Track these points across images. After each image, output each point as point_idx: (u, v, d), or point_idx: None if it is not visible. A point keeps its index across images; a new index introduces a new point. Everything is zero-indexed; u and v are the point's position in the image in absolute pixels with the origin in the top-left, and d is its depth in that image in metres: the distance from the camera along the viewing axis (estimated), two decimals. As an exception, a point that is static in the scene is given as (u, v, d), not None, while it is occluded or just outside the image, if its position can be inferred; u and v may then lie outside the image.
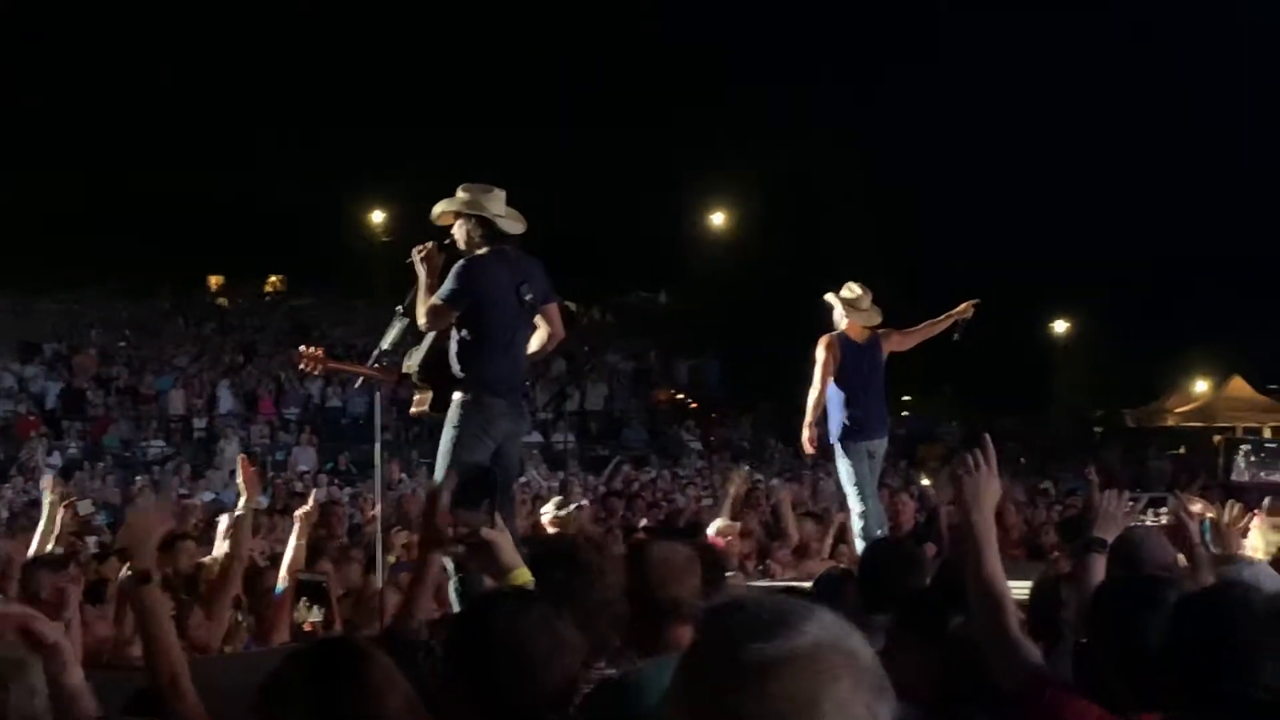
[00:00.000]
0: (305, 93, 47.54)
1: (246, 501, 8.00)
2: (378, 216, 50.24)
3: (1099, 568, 5.21)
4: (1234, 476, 23.81)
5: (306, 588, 5.10)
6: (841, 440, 11.18)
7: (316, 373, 8.92)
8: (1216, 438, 32.76)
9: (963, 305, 11.58)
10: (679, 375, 41.82)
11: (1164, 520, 7.24)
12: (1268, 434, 30.01)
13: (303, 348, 8.71)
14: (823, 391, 11.15)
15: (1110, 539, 5.42)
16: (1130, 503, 5.87)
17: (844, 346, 11.26)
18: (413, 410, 8.27)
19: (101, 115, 45.54)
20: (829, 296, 11.43)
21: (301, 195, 46.77)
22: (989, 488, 4.54)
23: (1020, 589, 6.59)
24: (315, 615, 4.95)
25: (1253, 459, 24.61)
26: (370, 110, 47.57)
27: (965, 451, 4.42)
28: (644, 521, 14.34)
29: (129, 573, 4.48)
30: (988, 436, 4.82)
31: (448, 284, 7.91)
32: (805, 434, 11.18)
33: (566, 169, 43.14)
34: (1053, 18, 45.22)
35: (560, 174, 40.63)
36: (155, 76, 46.75)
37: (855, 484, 11.08)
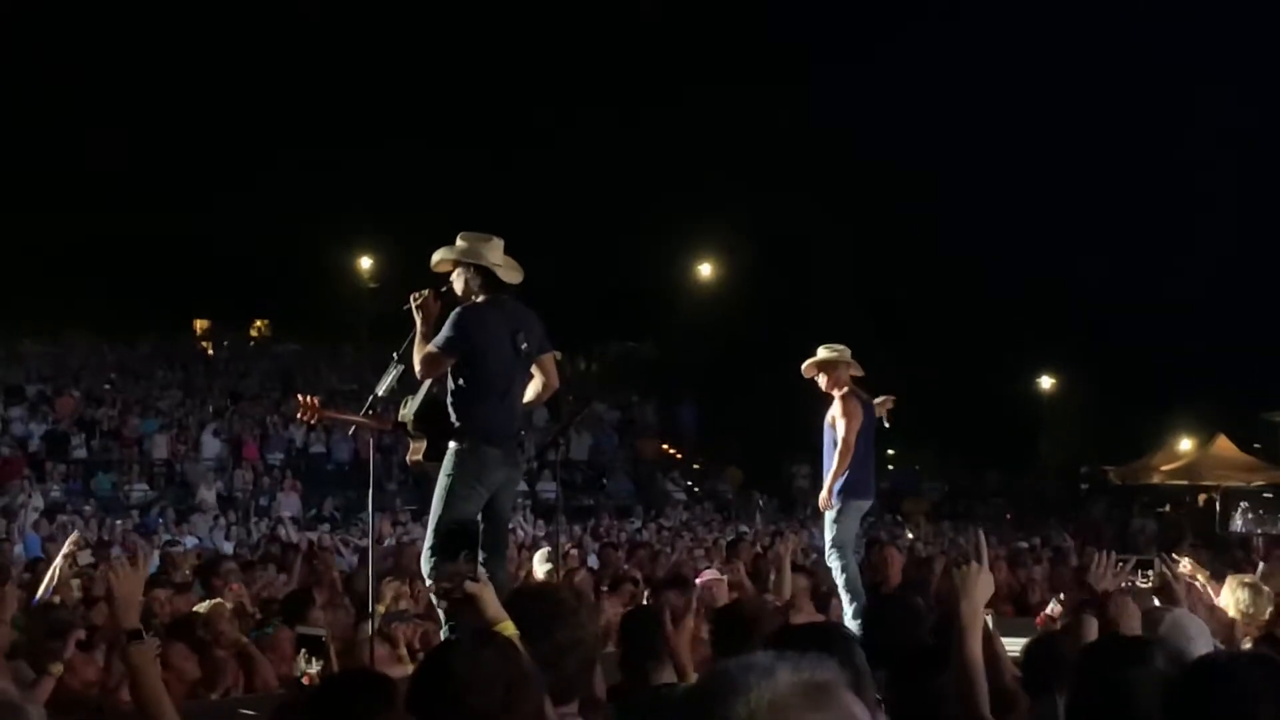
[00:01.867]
0: (294, 138, 47.65)
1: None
2: (365, 262, 50.31)
3: (1092, 628, 5.29)
4: (1232, 529, 23.93)
5: (305, 641, 5.07)
6: (855, 497, 11.05)
7: (314, 422, 8.87)
8: (1202, 496, 32.85)
9: (882, 399, 11.39)
10: (657, 420, 41.80)
11: (1151, 582, 7.23)
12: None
13: (301, 396, 8.68)
14: (853, 448, 10.94)
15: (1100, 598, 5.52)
16: (1119, 564, 5.91)
17: (862, 404, 11.13)
18: (409, 459, 8.19)
19: (90, 159, 45.59)
20: (833, 353, 11.28)
21: (288, 240, 46.82)
22: (982, 580, 4.68)
23: (1010, 644, 6.59)
24: (314, 667, 4.93)
25: (1249, 515, 24.75)
26: (359, 157, 47.65)
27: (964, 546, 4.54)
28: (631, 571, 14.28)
29: (122, 629, 4.50)
30: (981, 534, 5.00)
31: (444, 332, 7.86)
32: (827, 489, 10.96)
33: (552, 217, 43.25)
34: (1041, 83, 45.52)
35: (546, 222, 40.72)
36: (145, 119, 46.82)
37: (843, 544, 10.96)
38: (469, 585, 4.67)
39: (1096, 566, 5.69)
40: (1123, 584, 6.19)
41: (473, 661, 3.64)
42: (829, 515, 10.98)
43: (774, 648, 2.10)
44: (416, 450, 8.01)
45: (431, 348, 7.84)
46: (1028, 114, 45.87)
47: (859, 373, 11.26)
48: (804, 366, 11.30)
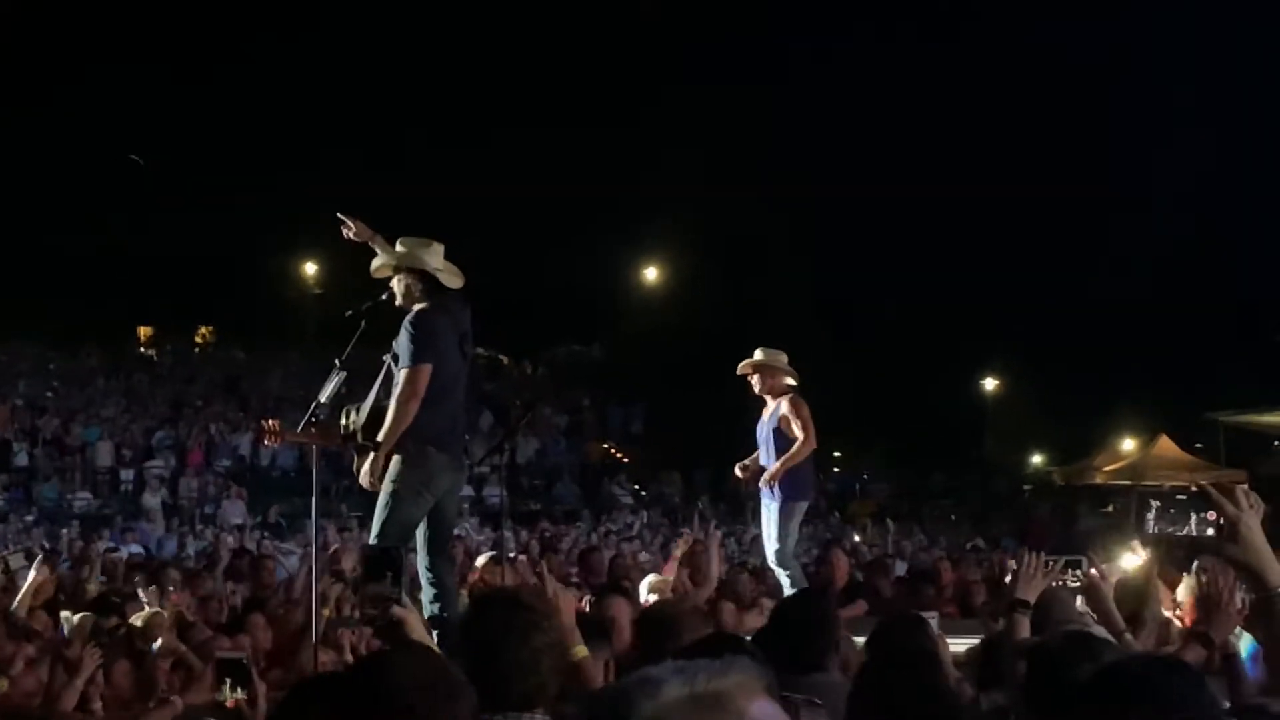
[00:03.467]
0: (235, 143, 47.36)
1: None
2: (309, 268, 50.12)
3: (1024, 627, 5.36)
4: (1146, 530, 24.29)
5: (226, 666, 5.03)
6: (796, 500, 11.01)
7: (276, 445, 8.83)
8: (1123, 499, 33.20)
9: None
10: (604, 424, 41.79)
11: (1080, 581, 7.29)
12: (1190, 491, 30.36)
13: (264, 421, 8.62)
14: (812, 444, 10.95)
15: (1032, 599, 5.57)
16: (1048, 564, 5.98)
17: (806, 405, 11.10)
18: (364, 481, 8.01)
19: (29, 166, 45.19)
20: (773, 357, 11.21)
21: (232, 246, 46.56)
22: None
23: (955, 644, 6.64)
24: (239, 694, 4.89)
25: (1162, 514, 25.16)
26: (301, 160, 47.42)
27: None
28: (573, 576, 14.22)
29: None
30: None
31: (411, 345, 7.81)
32: (772, 471, 10.85)
33: (498, 221, 43.16)
34: (986, 83, 45.79)
35: (491, 225, 40.64)
36: (88, 125, 46.46)
37: (789, 545, 10.92)
38: (395, 610, 4.69)
39: (1026, 569, 5.74)
40: (1052, 584, 6.26)
41: (402, 667, 3.64)
42: (772, 515, 10.90)
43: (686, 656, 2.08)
44: (367, 470, 7.89)
45: (410, 369, 7.78)
46: (969, 118, 46.15)
47: (794, 381, 11.21)
48: (740, 365, 11.28)
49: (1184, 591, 8.12)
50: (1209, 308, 42.53)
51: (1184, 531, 24.33)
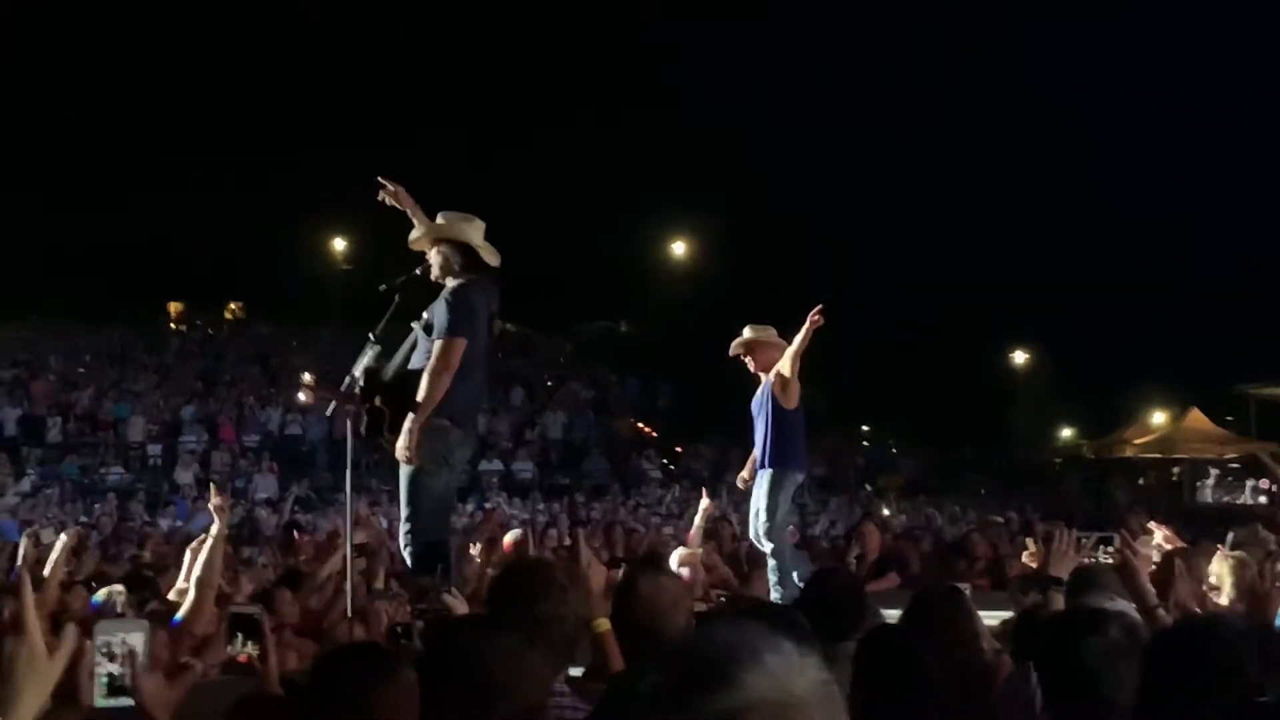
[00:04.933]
0: (266, 120, 47.46)
1: (218, 529, 7.91)
2: (338, 244, 50.24)
3: (1057, 603, 5.37)
4: (1200, 500, 23.97)
5: (238, 620, 5.05)
6: (789, 469, 10.58)
7: (311, 402, 8.77)
8: (1175, 469, 32.97)
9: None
10: (633, 399, 41.72)
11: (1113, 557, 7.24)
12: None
13: (304, 374, 8.58)
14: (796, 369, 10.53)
15: (1065, 575, 5.58)
16: (1080, 540, 5.96)
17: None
18: (396, 449, 7.75)
19: (62, 144, 45.38)
20: (763, 333, 10.94)
21: (261, 222, 46.68)
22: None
23: (988, 618, 6.64)
24: (250, 649, 4.90)
25: (1218, 485, 24.77)
26: (330, 136, 47.52)
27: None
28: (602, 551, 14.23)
29: None
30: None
31: (451, 314, 7.74)
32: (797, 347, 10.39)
33: (527, 196, 43.18)
34: (1014, 63, 45.60)
35: (521, 201, 40.65)
36: (118, 105, 46.62)
37: (780, 526, 10.48)
38: (446, 598, 4.71)
39: (1058, 546, 5.74)
40: (1084, 560, 6.24)
41: (478, 649, 3.67)
42: (764, 485, 10.48)
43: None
44: (401, 444, 7.76)
45: (445, 339, 7.69)
46: (999, 88, 45.97)
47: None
48: (732, 346, 11.04)
49: (1218, 564, 8.10)
50: (1239, 280, 42.32)
51: (1240, 500, 24.09)
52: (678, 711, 1.83)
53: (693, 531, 11.61)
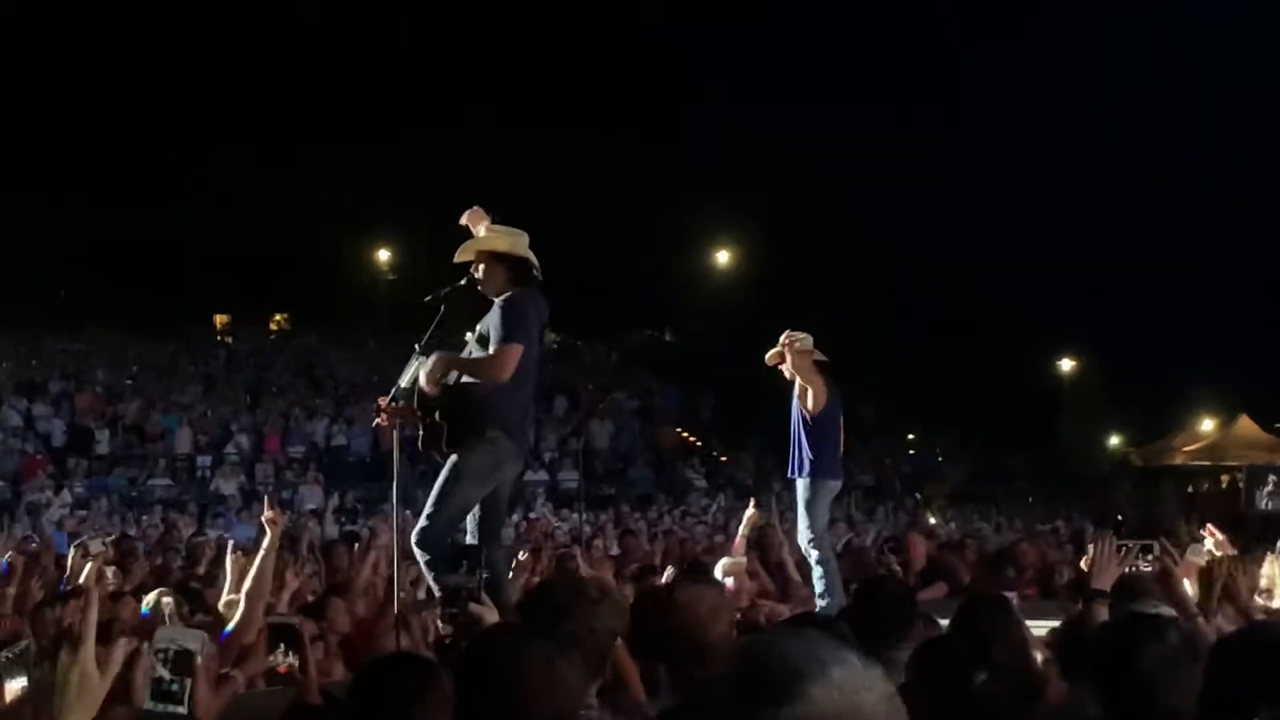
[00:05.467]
0: (310, 132, 47.66)
1: (270, 541, 7.94)
2: (383, 254, 50.52)
3: (1102, 615, 5.33)
4: (1257, 506, 23.56)
5: (278, 630, 5.06)
6: (824, 478, 10.54)
7: (386, 425, 8.64)
8: (1225, 476, 32.70)
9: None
10: (676, 408, 41.70)
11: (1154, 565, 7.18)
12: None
13: (380, 400, 8.49)
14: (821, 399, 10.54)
15: (1108, 587, 5.55)
16: (1121, 549, 5.93)
17: (832, 386, 10.71)
18: (441, 448, 7.75)
19: (109, 156, 45.69)
20: (800, 340, 10.84)
21: (306, 233, 46.95)
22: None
23: (1037, 627, 6.59)
24: (290, 659, 4.90)
25: (1275, 490, 24.27)
26: (375, 149, 47.70)
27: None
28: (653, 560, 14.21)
29: None
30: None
31: (504, 323, 7.66)
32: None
33: (572, 206, 43.19)
34: (1054, 62, 45.36)
35: (566, 210, 40.68)
36: (165, 114, 46.89)
37: (822, 535, 10.44)
38: (474, 608, 4.70)
39: (1100, 556, 5.71)
40: (1126, 569, 6.21)
41: (513, 656, 3.67)
42: (802, 496, 10.49)
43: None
44: (424, 375, 7.71)
45: (500, 345, 7.61)
46: (1044, 88, 45.71)
47: (823, 358, 10.76)
48: (769, 355, 10.98)
49: (1269, 567, 8.03)
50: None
51: None
52: None
53: (738, 540, 11.58)
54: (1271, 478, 24.45)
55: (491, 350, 7.68)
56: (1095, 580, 5.62)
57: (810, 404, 10.47)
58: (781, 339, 10.75)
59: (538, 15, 47.44)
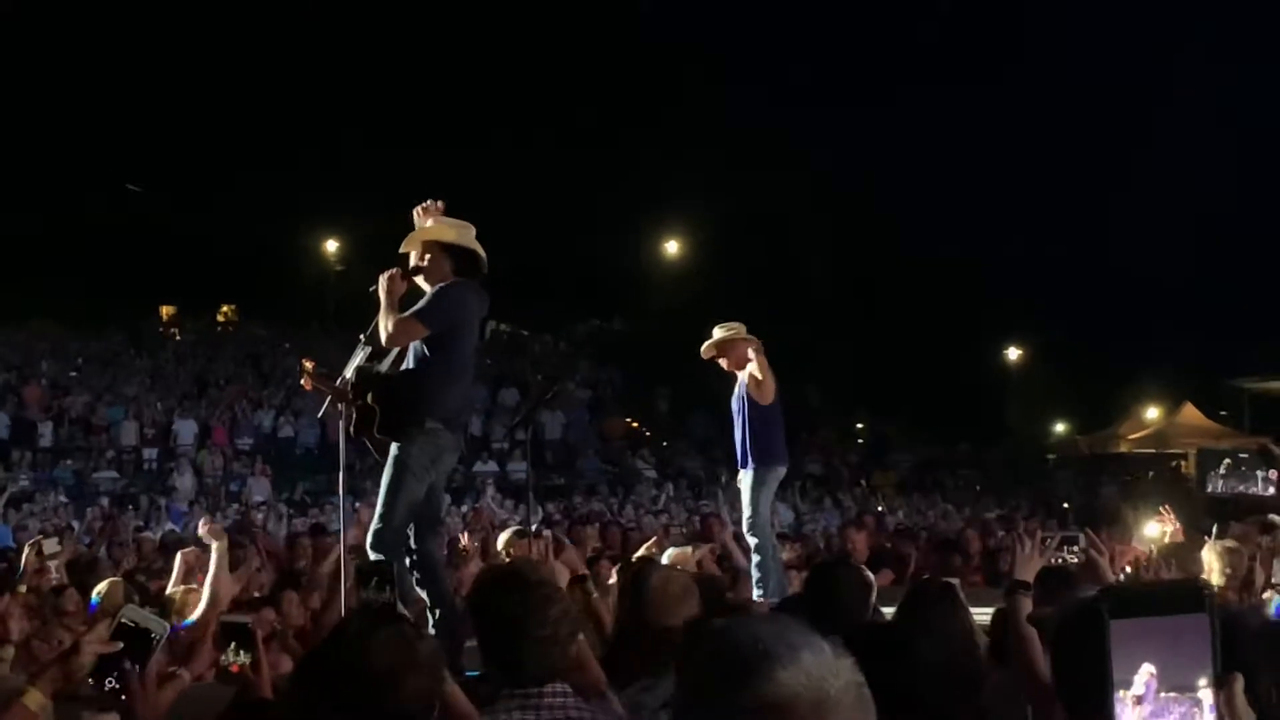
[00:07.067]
0: (254, 124, 47.44)
1: (218, 557, 7.99)
2: (330, 245, 50.29)
3: (1026, 608, 5.37)
4: (1209, 490, 23.78)
5: (230, 629, 5.04)
6: (769, 465, 10.64)
7: (308, 388, 8.71)
8: (1181, 462, 32.97)
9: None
10: (626, 399, 41.67)
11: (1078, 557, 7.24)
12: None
13: (303, 361, 8.55)
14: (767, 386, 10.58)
15: (1030, 579, 5.67)
16: (1045, 540, 6.01)
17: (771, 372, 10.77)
18: (371, 434, 7.82)
19: (54, 149, 45.34)
20: (730, 331, 10.90)
21: (253, 225, 46.68)
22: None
23: (981, 614, 6.64)
24: (243, 658, 4.89)
25: (1228, 474, 24.49)
26: (319, 140, 47.53)
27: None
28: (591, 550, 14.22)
29: None
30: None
31: (428, 303, 7.72)
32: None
33: (519, 196, 43.14)
34: (1008, 65, 45.64)
35: (513, 201, 40.62)
36: (110, 111, 46.59)
37: (764, 521, 10.54)
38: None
39: (1021, 550, 5.77)
40: (1050, 561, 6.28)
41: (363, 639, 3.66)
42: (747, 482, 10.58)
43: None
44: (374, 429, 7.76)
45: (410, 315, 7.66)
46: (993, 90, 45.99)
47: (757, 345, 10.75)
48: (703, 349, 11.01)
49: (1207, 553, 8.11)
50: (1233, 274, 42.34)
51: (1251, 490, 23.91)
52: (713, 701, 1.89)
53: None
54: (1225, 461, 24.68)
55: (403, 314, 7.69)
56: (1018, 572, 5.67)
57: (762, 394, 10.51)
58: (722, 332, 10.80)
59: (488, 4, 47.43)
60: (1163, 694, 2.21)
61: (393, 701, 3.57)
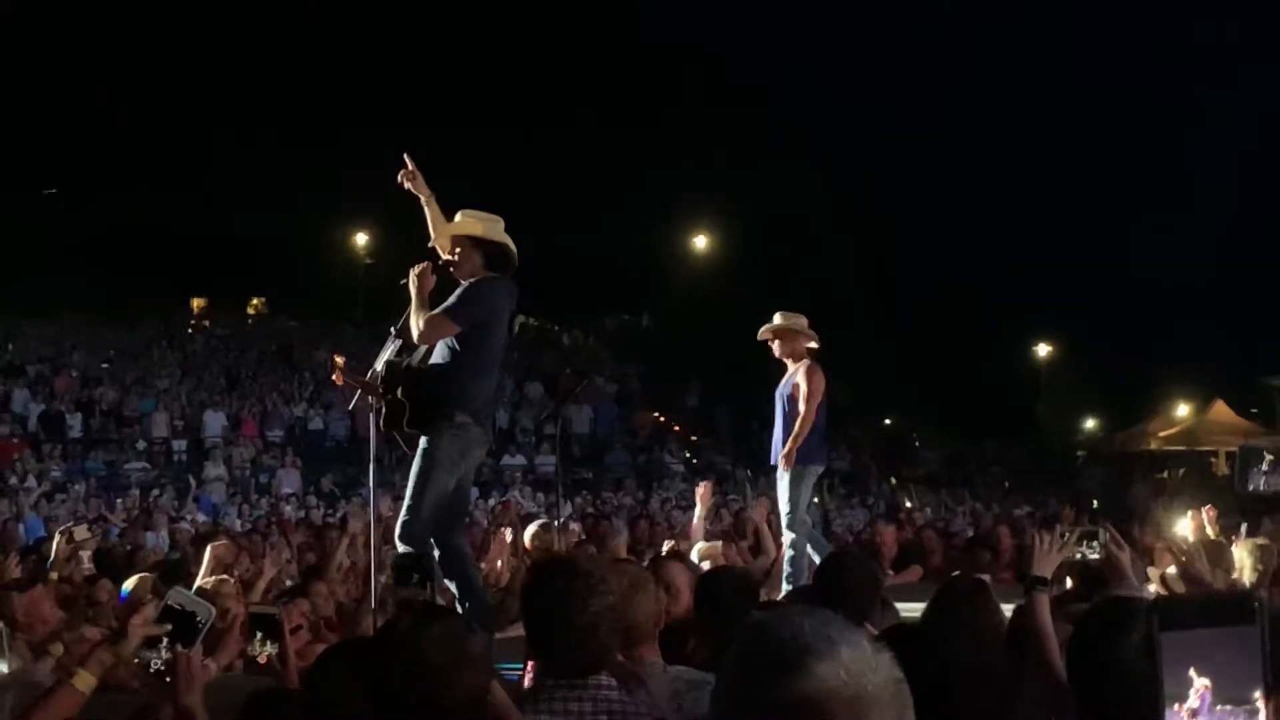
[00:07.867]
0: (288, 116, 47.56)
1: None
2: (360, 238, 50.41)
3: (1044, 605, 5.34)
4: (1251, 487, 23.39)
5: (258, 620, 5.05)
6: (806, 464, 10.64)
7: (339, 382, 8.73)
8: (1214, 460, 32.77)
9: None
10: (654, 393, 41.67)
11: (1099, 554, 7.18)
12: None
13: (334, 357, 8.58)
14: (813, 420, 10.57)
15: (1049, 575, 5.61)
16: (1064, 535, 5.98)
17: (822, 376, 10.76)
18: (403, 429, 7.82)
19: (87, 141, 45.52)
20: (792, 320, 10.95)
21: (284, 217, 46.81)
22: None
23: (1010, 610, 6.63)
24: (270, 649, 4.89)
25: (1270, 470, 23.98)
26: (352, 133, 47.60)
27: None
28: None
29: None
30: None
31: (458, 300, 7.72)
32: (788, 448, 10.50)
33: (547, 189, 43.17)
34: (1035, 61, 45.47)
35: (541, 194, 40.66)
36: (145, 102, 46.76)
37: (802, 520, 10.55)
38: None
39: (1040, 546, 5.74)
40: (1071, 556, 6.25)
41: (413, 636, 3.67)
42: (784, 481, 10.59)
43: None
44: (403, 424, 7.78)
45: (441, 313, 7.65)
46: (1027, 83, 45.80)
47: (815, 345, 10.90)
48: (761, 331, 11.01)
49: (1238, 550, 8.08)
50: (1263, 271, 42.08)
51: None
52: (751, 694, 1.88)
53: (695, 523, 11.66)
54: (1268, 457, 24.27)
55: (434, 312, 7.69)
56: (1036, 567, 5.63)
57: (803, 405, 10.53)
58: (783, 319, 10.82)
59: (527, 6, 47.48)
60: (1218, 707, 2.21)
61: (448, 698, 3.60)
